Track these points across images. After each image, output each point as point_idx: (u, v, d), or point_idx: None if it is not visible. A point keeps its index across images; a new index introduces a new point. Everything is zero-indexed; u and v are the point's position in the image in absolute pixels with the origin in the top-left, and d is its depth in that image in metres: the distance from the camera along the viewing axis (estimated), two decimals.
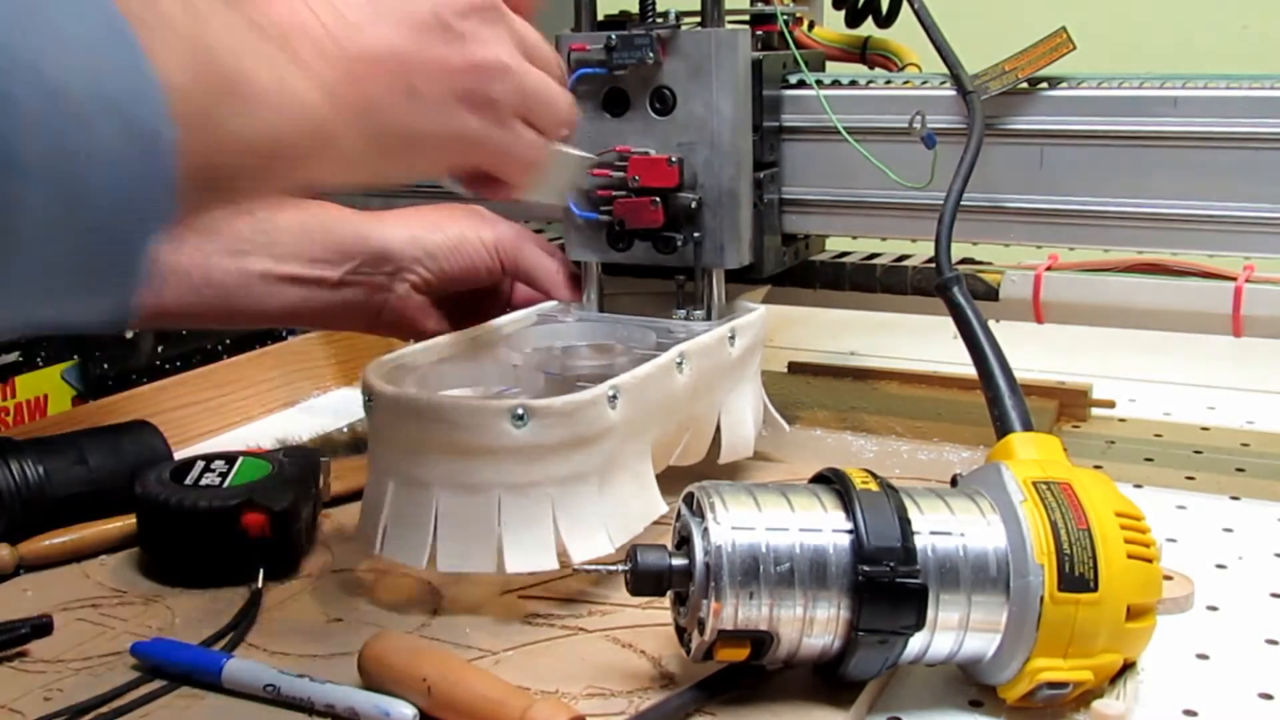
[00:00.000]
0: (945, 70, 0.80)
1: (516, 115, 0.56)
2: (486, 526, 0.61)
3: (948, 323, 0.70)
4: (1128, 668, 0.56)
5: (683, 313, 0.80)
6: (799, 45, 0.86)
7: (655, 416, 0.68)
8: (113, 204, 0.36)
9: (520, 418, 0.60)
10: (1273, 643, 0.62)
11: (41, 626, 0.62)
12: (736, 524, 0.53)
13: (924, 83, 0.83)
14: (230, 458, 0.73)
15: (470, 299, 0.86)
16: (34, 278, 0.36)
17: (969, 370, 0.67)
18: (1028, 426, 0.62)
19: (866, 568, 0.52)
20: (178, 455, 0.78)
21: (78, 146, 0.35)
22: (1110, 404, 0.96)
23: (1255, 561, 0.71)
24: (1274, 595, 0.67)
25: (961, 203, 0.75)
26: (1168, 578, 0.63)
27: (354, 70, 0.48)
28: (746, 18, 0.88)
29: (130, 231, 0.37)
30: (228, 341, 1.04)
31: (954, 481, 0.60)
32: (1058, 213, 0.79)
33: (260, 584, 0.66)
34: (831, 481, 0.56)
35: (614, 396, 0.63)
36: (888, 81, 0.85)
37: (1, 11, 0.33)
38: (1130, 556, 0.53)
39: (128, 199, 0.37)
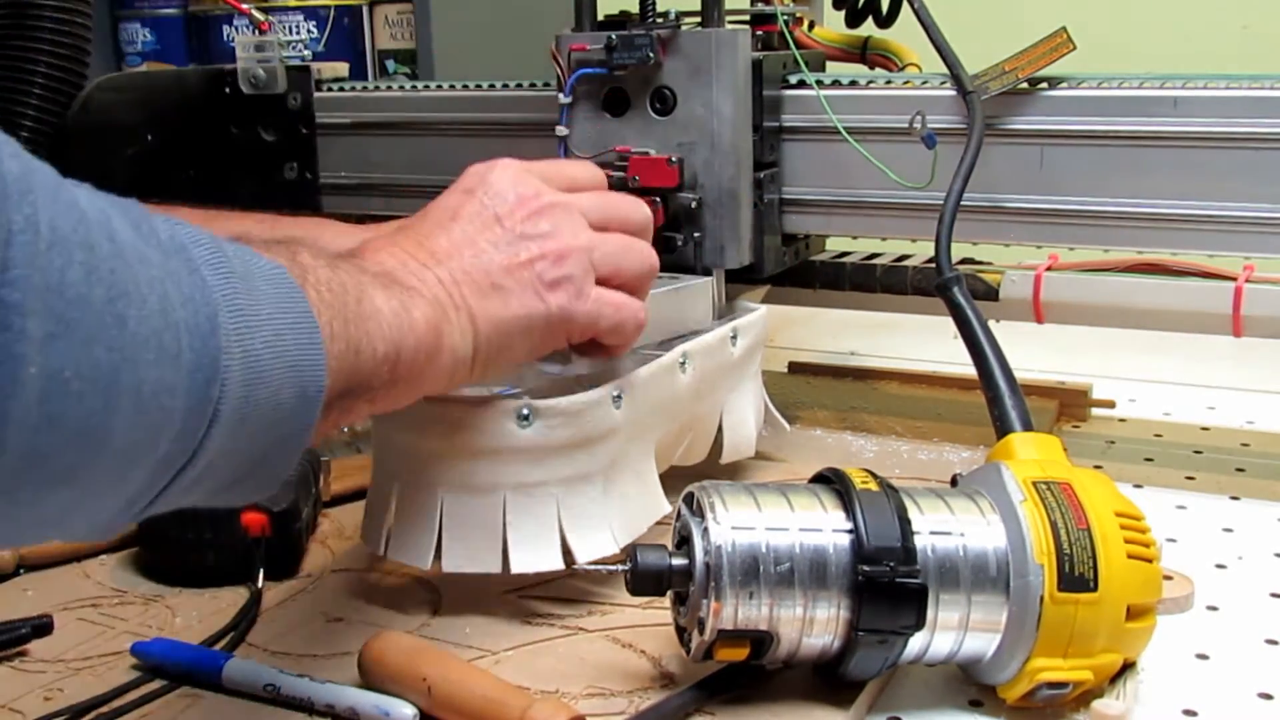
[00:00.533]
0: (945, 70, 0.80)
1: (599, 283, 0.62)
2: (492, 527, 0.61)
3: (948, 323, 0.70)
4: (1128, 668, 0.56)
5: None
6: (799, 45, 0.86)
7: (659, 416, 0.68)
8: (271, 435, 0.45)
9: (525, 418, 0.60)
10: (1273, 643, 0.62)
11: (41, 626, 0.62)
12: (736, 524, 0.53)
13: (924, 83, 0.83)
14: None
15: None
16: (197, 489, 0.44)
17: (969, 370, 0.67)
18: (1028, 426, 0.62)
19: (866, 568, 0.52)
20: None
21: (259, 398, 0.44)
22: (1110, 404, 0.96)
23: (1255, 561, 0.70)
24: (1274, 595, 0.67)
25: (961, 203, 0.75)
26: (1168, 578, 0.63)
27: (446, 284, 0.57)
28: (746, 18, 0.88)
29: (282, 454, 0.47)
30: None
31: (954, 481, 0.60)
32: (1058, 213, 0.79)
33: (260, 584, 0.66)
34: (831, 481, 0.56)
35: (618, 396, 0.63)
36: (888, 81, 0.85)
37: (231, 301, 0.43)
38: (1130, 556, 0.53)
39: (285, 432, 0.46)
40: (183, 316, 0.40)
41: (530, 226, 0.60)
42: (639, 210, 0.66)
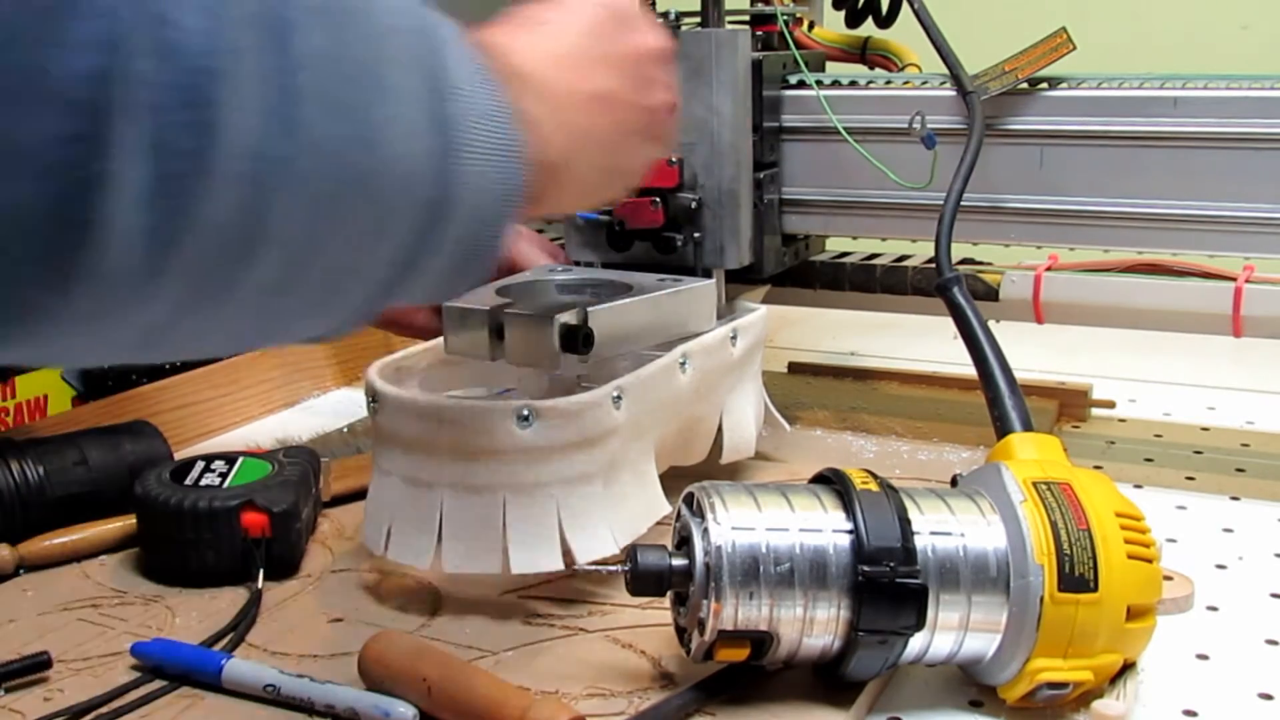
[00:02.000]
0: (945, 70, 0.80)
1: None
2: (492, 527, 0.61)
3: (948, 323, 0.70)
4: (1128, 668, 0.56)
5: None
6: (799, 45, 0.86)
7: (659, 417, 0.68)
8: (496, 222, 0.46)
9: (525, 419, 0.60)
10: (1273, 643, 0.62)
11: (40, 664, 0.59)
12: (736, 524, 0.53)
13: (924, 83, 0.83)
14: (230, 458, 0.73)
15: None
16: (430, 272, 0.45)
17: (969, 370, 0.67)
18: (1028, 427, 0.62)
19: (866, 568, 0.52)
20: (178, 455, 0.78)
21: (485, 185, 0.44)
22: (1110, 404, 0.96)
23: (1255, 561, 0.70)
24: (1274, 595, 0.67)
25: (961, 203, 0.75)
26: (1168, 578, 0.63)
27: (578, 105, 0.55)
28: (746, 18, 0.88)
29: (497, 240, 0.47)
30: None
31: (954, 481, 0.60)
32: (1058, 213, 0.79)
33: (260, 584, 0.66)
34: (831, 481, 0.56)
35: (618, 397, 0.63)
36: (888, 82, 0.85)
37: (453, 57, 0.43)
38: (1130, 557, 0.53)
39: (502, 218, 0.46)
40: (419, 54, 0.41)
41: (652, 69, 0.59)
42: None
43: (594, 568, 0.57)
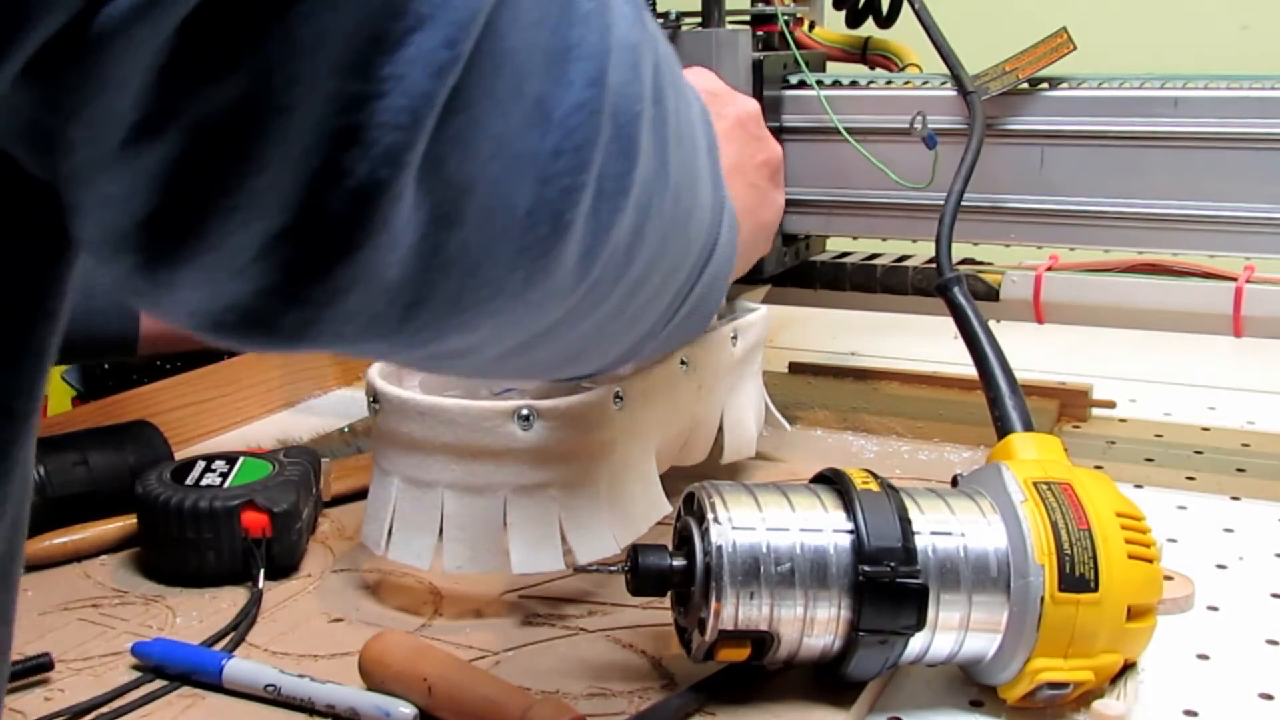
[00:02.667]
0: (945, 70, 0.80)
1: None
2: (492, 528, 0.61)
3: (948, 323, 0.70)
4: (1128, 668, 0.56)
5: None
6: (799, 45, 0.86)
7: (659, 417, 0.68)
8: (725, 277, 0.54)
9: (526, 418, 0.60)
10: (1273, 643, 0.62)
11: (41, 665, 0.59)
12: (737, 524, 0.53)
13: (924, 83, 0.83)
14: (231, 458, 0.73)
15: None
16: (672, 327, 0.53)
17: (969, 370, 0.67)
18: (1028, 427, 0.62)
19: (867, 568, 0.52)
20: (178, 455, 0.78)
21: (726, 241, 0.53)
22: (1110, 404, 0.96)
23: (1255, 561, 0.70)
24: (1274, 595, 0.67)
25: (962, 203, 0.75)
26: (1168, 578, 0.63)
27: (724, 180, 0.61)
28: (747, 18, 0.88)
29: (723, 294, 0.56)
30: None
31: (954, 481, 0.60)
32: (1058, 213, 0.79)
33: (260, 584, 0.66)
34: (832, 481, 0.56)
35: (619, 397, 0.63)
36: (888, 82, 0.85)
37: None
38: (1131, 557, 0.53)
39: (728, 274, 0.54)
40: (704, 132, 0.47)
41: (756, 128, 0.67)
42: None
43: (594, 568, 0.57)
